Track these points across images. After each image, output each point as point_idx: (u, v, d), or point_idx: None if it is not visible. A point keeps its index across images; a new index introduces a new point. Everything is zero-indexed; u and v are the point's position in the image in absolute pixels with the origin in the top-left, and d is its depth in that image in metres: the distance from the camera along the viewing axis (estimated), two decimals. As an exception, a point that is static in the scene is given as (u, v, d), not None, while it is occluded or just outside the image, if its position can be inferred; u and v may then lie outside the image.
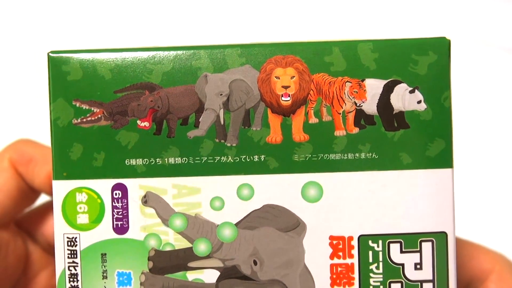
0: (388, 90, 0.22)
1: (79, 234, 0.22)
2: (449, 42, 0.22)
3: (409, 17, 0.47)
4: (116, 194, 0.22)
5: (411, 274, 0.22)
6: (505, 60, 0.45)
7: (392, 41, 0.22)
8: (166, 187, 0.22)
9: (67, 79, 0.22)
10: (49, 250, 0.29)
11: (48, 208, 0.29)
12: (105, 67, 0.22)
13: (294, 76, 0.22)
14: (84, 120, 0.22)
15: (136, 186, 0.22)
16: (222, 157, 0.22)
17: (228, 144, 0.22)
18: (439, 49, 0.22)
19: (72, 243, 0.22)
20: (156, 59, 0.22)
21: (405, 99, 0.22)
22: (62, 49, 0.23)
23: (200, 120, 0.22)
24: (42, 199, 0.29)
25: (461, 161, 0.40)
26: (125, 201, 0.22)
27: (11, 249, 0.27)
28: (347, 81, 0.22)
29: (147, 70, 0.22)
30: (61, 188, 0.22)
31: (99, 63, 0.22)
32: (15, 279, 0.28)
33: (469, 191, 0.41)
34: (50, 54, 0.22)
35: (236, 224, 0.22)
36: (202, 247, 0.22)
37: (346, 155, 0.22)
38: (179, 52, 0.22)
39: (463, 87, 0.46)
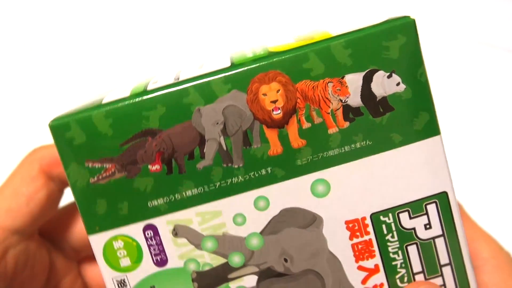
0: (367, 80, 0.23)
1: (126, 275, 0.24)
2: (413, 21, 0.23)
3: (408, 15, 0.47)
4: (148, 234, 0.24)
5: (423, 234, 0.24)
6: (505, 60, 0.46)
7: (360, 33, 0.23)
8: (191, 217, 0.24)
9: (73, 144, 0.23)
10: (72, 255, 0.31)
11: (68, 214, 0.30)
12: (105, 124, 0.23)
13: (279, 90, 0.23)
14: (100, 177, 0.23)
15: (164, 223, 0.24)
16: (233, 178, 0.23)
17: (236, 166, 0.23)
18: (406, 30, 0.23)
19: (122, 284, 0.24)
20: (148, 105, 0.23)
21: (385, 84, 0.23)
22: (58, 112, 0.24)
23: (204, 151, 0.23)
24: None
25: (468, 163, 0.42)
26: (158, 237, 0.24)
27: (37, 259, 0.28)
28: (329, 82, 0.23)
29: (144, 118, 0.23)
30: (98, 240, 0.24)
31: (98, 121, 0.23)
32: None
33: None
34: (50, 124, 0.23)
35: (261, 233, 0.24)
36: (236, 259, 0.24)
37: (343, 148, 0.23)
38: (167, 91, 0.23)
39: (463, 87, 0.47)
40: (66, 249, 0.31)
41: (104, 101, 0.24)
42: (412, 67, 0.23)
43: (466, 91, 0.46)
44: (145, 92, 0.23)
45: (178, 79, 0.24)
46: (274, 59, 0.23)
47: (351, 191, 0.24)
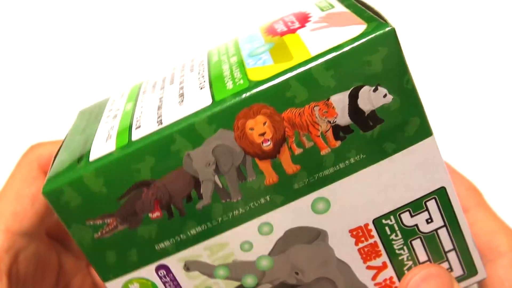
0: (353, 98, 0.22)
1: None
2: (393, 30, 0.22)
3: (408, 15, 0.43)
4: (161, 273, 0.25)
5: (425, 228, 0.25)
6: (505, 60, 0.42)
7: (340, 50, 0.22)
8: (199, 252, 0.24)
9: (70, 207, 0.23)
10: (81, 255, 0.31)
11: None
12: (97, 184, 0.23)
13: (265, 122, 0.22)
14: (104, 231, 0.24)
15: (174, 261, 0.24)
16: (234, 211, 0.24)
17: (234, 200, 0.23)
18: (387, 41, 0.22)
19: (146, 319, 0.25)
20: (136, 158, 0.23)
21: (372, 99, 0.22)
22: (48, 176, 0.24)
23: (201, 192, 0.23)
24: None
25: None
26: (171, 275, 0.25)
27: (47, 260, 0.29)
28: (315, 106, 0.22)
29: (135, 171, 0.23)
30: (114, 286, 0.25)
31: (90, 182, 0.23)
32: None
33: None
34: (43, 190, 0.23)
35: (269, 254, 0.25)
36: (249, 281, 0.25)
37: (337, 166, 0.23)
38: (153, 140, 0.22)
39: (462, 87, 0.45)
40: (74, 249, 0.31)
41: (91, 157, 0.23)
42: (397, 76, 0.22)
43: (466, 91, 0.45)
44: (130, 144, 0.23)
45: (161, 121, 0.23)
46: (255, 91, 0.22)
47: (351, 204, 0.24)
